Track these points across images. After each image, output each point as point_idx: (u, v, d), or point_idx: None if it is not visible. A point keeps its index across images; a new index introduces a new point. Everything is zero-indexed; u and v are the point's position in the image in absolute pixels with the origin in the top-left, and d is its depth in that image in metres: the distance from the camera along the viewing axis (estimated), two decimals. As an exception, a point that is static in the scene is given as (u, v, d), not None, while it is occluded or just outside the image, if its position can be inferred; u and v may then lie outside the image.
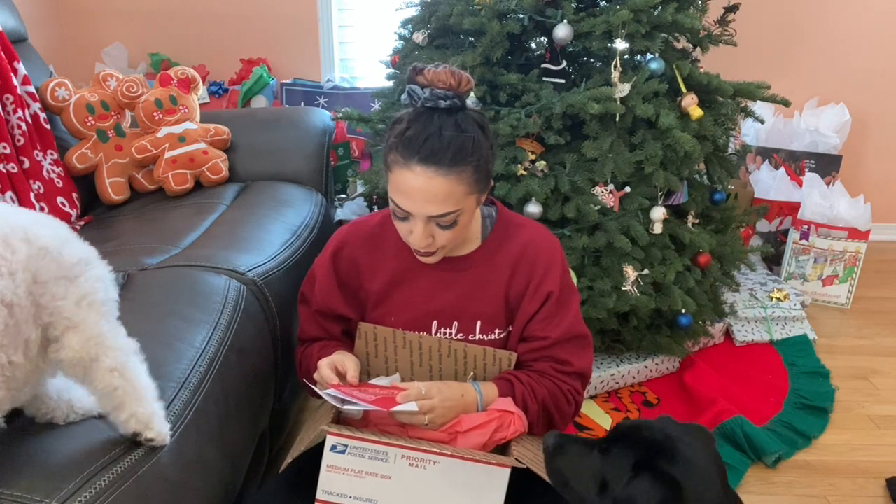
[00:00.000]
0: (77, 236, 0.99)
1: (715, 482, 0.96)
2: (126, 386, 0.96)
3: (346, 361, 1.17)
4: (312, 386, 1.19)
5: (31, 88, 1.93)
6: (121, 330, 0.99)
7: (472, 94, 1.84)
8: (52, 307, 0.91)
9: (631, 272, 1.88)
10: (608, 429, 1.94)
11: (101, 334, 0.94)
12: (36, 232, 0.91)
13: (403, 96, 1.13)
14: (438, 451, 1.04)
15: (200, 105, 2.25)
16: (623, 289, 1.87)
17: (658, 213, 1.90)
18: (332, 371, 1.15)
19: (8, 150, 1.79)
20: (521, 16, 1.85)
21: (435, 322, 1.26)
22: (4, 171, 1.77)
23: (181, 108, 2.14)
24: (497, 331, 1.27)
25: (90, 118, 2.03)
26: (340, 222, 2.68)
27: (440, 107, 1.09)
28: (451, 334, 1.26)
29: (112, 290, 0.99)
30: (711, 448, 1.01)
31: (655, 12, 1.85)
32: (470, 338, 1.26)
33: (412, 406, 1.07)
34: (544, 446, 1.06)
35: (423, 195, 1.09)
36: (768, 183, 2.88)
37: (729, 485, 1.01)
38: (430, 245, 1.16)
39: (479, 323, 1.26)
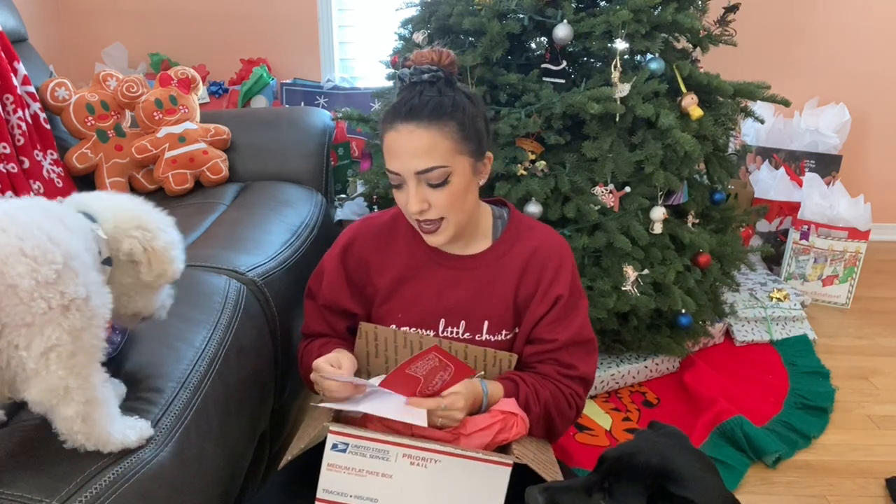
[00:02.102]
0: (82, 267, 0.91)
1: (719, 487, 0.96)
2: (87, 430, 0.93)
3: (341, 359, 1.17)
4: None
5: (31, 88, 1.93)
6: (96, 378, 0.93)
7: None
8: (13, 355, 0.86)
9: (631, 272, 1.88)
10: (608, 429, 1.94)
11: (67, 388, 0.89)
12: (12, 265, 0.84)
13: (396, 83, 1.18)
14: (440, 449, 1.04)
15: (200, 105, 2.25)
16: (623, 289, 1.88)
17: (658, 213, 1.90)
18: (328, 367, 1.16)
19: (8, 150, 1.78)
20: (521, 16, 1.85)
21: (443, 320, 1.26)
22: (4, 171, 1.77)
23: (181, 108, 2.14)
24: (504, 332, 1.27)
25: (90, 118, 2.03)
26: (340, 222, 2.67)
27: (423, 80, 1.15)
28: (458, 333, 1.26)
29: (96, 335, 0.93)
30: (695, 451, 1.01)
31: (655, 12, 1.85)
32: (476, 338, 1.26)
33: (422, 417, 1.08)
34: None
35: (407, 151, 1.13)
36: (768, 183, 2.88)
37: (722, 481, 1.01)
38: (425, 209, 1.16)
39: (486, 323, 1.26)
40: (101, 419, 0.94)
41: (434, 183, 1.14)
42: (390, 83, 2.23)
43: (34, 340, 0.86)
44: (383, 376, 1.20)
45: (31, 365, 0.87)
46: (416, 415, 1.08)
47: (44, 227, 0.89)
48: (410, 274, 1.27)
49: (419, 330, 1.27)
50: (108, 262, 1.01)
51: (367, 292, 1.30)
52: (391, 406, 1.09)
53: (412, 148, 1.12)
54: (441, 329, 1.27)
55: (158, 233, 1.08)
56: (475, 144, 1.17)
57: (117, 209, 1.06)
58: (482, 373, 1.24)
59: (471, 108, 1.16)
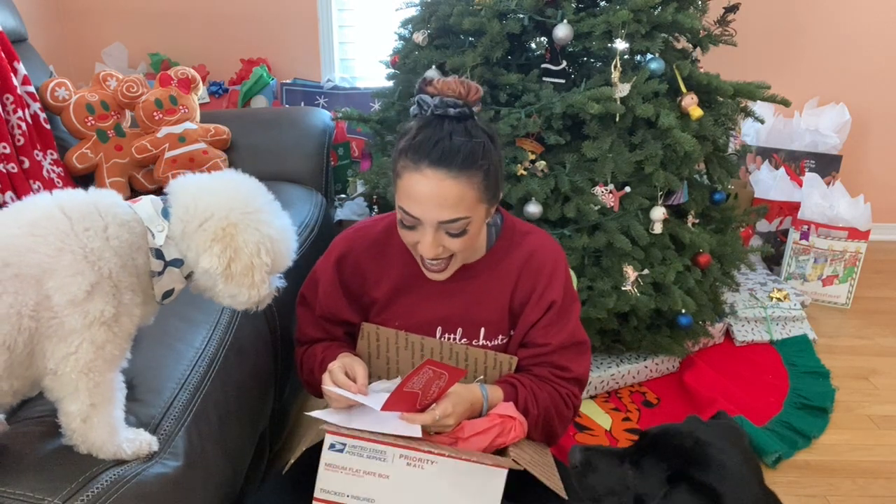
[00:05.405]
0: (114, 288, 0.93)
1: (751, 482, 0.94)
2: (84, 432, 0.94)
3: (354, 366, 1.16)
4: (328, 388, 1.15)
5: (31, 88, 1.93)
6: (108, 385, 0.95)
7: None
8: (40, 361, 0.91)
9: (631, 272, 1.88)
10: (608, 429, 1.94)
11: (77, 387, 0.92)
12: (47, 279, 0.88)
13: (413, 108, 1.12)
14: (437, 451, 1.04)
15: (200, 105, 2.25)
16: (623, 289, 1.88)
17: (658, 213, 1.90)
18: (343, 375, 1.14)
19: (8, 150, 1.78)
20: (521, 16, 1.85)
21: (439, 328, 1.26)
22: (4, 171, 1.77)
23: (181, 108, 2.14)
24: (500, 336, 1.28)
25: (90, 118, 2.03)
26: (340, 222, 2.68)
27: (449, 114, 1.09)
28: (454, 340, 1.27)
29: (119, 346, 0.95)
30: (743, 446, 1.00)
31: (655, 12, 1.85)
32: (474, 343, 1.27)
33: (416, 431, 1.07)
34: (571, 463, 1.04)
35: (433, 199, 1.08)
36: (768, 183, 2.88)
37: (765, 482, 0.99)
38: (439, 254, 1.14)
39: (483, 330, 1.26)
40: (100, 425, 0.95)
41: (454, 232, 1.11)
42: (390, 83, 2.23)
43: (59, 346, 0.90)
44: (383, 380, 1.20)
45: (51, 366, 0.91)
46: (410, 428, 1.08)
47: (82, 239, 0.91)
48: (406, 285, 1.26)
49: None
50: (175, 263, 1.00)
51: (363, 301, 1.30)
52: (385, 420, 1.09)
53: (440, 198, 1.07)
54: (438, 336, 1.27)
55: (236, 245, 0.98)
56: (494, 191, 1.15)
57: (191, 206, 0.98)
58: (482, 377, 1.24)
59: (495, 154, 1.12)
